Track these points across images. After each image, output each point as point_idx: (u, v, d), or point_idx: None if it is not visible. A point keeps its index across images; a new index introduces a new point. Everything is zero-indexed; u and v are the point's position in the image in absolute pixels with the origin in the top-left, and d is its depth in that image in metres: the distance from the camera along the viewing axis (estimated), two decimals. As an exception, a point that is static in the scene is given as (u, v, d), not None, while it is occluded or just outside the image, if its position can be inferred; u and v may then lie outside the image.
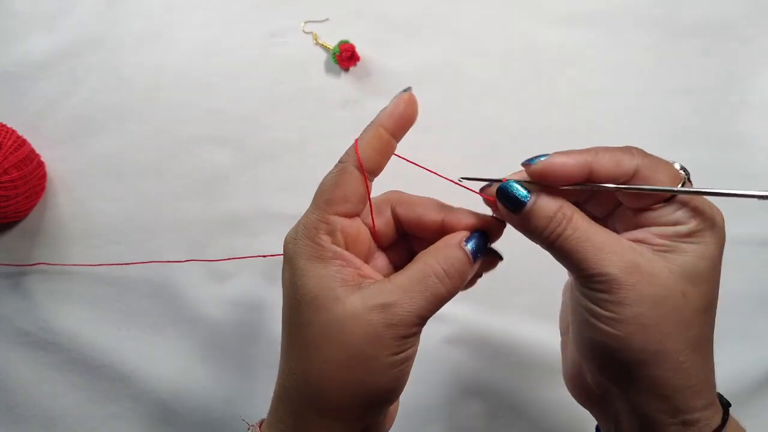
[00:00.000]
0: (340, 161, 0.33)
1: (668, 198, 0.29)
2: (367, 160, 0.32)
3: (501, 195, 0.31)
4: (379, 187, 0.35)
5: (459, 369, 0.56)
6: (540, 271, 0.57)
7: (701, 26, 0.62)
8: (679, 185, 0.29)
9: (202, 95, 0.61)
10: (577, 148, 0.31)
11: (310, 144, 0.59)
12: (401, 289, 0.31)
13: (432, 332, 0.56)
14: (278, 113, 0.61)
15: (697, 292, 0.29)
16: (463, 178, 0.34)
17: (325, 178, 0.33)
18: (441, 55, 0.62)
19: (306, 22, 0.63)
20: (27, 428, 0.56)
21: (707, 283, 0.30)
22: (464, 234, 0.33)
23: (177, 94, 0.61)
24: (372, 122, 0.33)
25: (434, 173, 0.36)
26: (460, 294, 0.56)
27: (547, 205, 0.30)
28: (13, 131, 0.57)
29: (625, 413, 0.32)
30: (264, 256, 0.54)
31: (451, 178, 0.35)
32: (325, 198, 0.32)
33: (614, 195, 0.32)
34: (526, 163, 0.31)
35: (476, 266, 0.33)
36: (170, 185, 0.60)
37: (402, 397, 0.55)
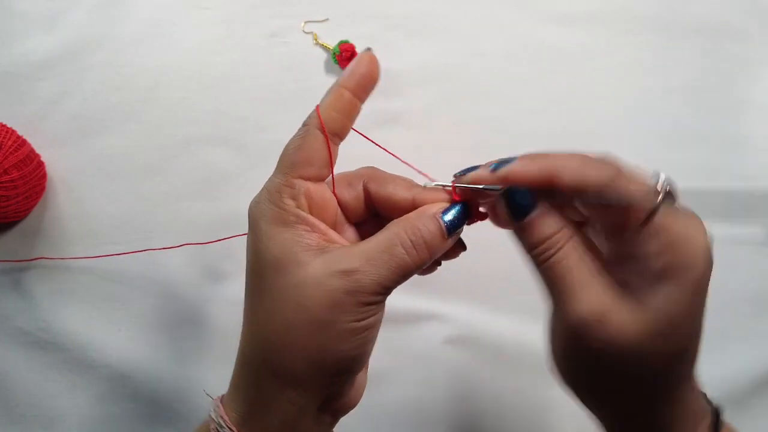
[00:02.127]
0: (303, 124, 0.32)
1: (645, 220, 0.27)
2: (330, 122, 0.31)
3: (508, 198, 0.30)
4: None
5: (459, 369, 0.56)
6: (540, 271, 0.57)
7: (701, 26, 0.62)
8: (658, 201, 0.27)
9: (202, 95, 0.61)
10: (552, 151, 0.30)
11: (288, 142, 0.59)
12: (365, 256, 0.30)
13: (432, 332, 0.56)
14: (278, 113, 0.61)
15: (664, 344, 0.28)
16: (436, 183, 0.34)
17: (288, 142, 0.32)
18: (441, 55, 0.62)
19: (306, 22, 0.63)
20: (27, 428, 0.56)
21: (678, 332, 0.28)
22: (442, 206, 0.32)
23: (177, 94, 0.61)
24: (333, 84, 0.32)
25: (408, 164, 0.35)
26: (460, 294, 0.56)
27: (548, 224, 0.29)
28: (13, 131, 0.57)
29: (610, 427, 0.33)
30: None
31: (424, 173, 0.35)
32: (289, 161, 0.32)
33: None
34: (492, 168, 0.30)
35: (450, 241, 0.32)
36: (170, 185, 0.60)
37: (402, 397, 0.55)
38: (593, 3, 0.62)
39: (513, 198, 0.30)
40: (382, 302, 0.31)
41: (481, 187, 0.31)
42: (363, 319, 0.30)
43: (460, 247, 0.34)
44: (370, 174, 0.34)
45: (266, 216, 0.31)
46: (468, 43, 0.62)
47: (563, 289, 0.29)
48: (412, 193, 0.33)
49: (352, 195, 0.34)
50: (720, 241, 0.57)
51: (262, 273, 0.31)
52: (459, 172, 0.32)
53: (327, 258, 0.30)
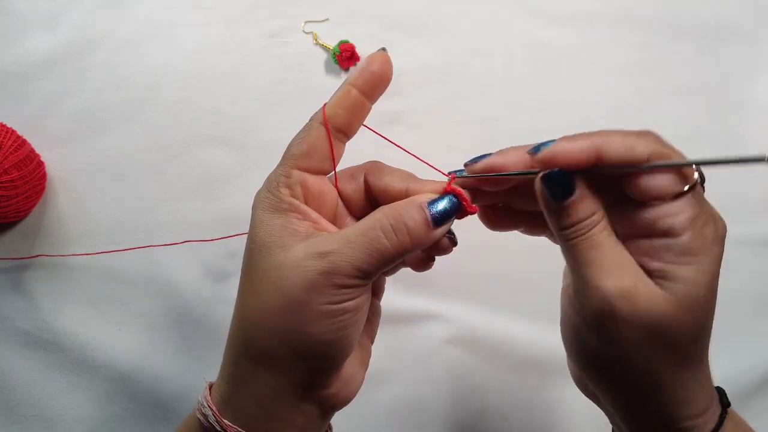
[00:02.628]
0: (309, 119, 0.33)
1: (676, 196, 0.28)
2: (334, 118, 0.32)
3: (550, 179, 0.30)
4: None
5: (459, 369, 0.56)
6: (540, 271, 0.57)
7: (701, 26, 0.62)
8: (687, 186, 0.28)
9: (202, 95, 0.61)
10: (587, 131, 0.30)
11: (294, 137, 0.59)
12: (344, 239, 0.30)
13: (432, 332, 0.56)
14: (278, 113, 0.61)
15: (690, 319, 0.28)
16: (448, 174, 0.34)
17: (294, 137, 0.33)
18: (441, 54, 0.62)
19: (306, 22, 0.63)
20: (27, 428, 0.56)
21: (702, 308, 0.29)
22: (430, 196, 0.32)
23: (177, 94, 0.61)
24: (343, 82, 0.32)
25: (417, 156, 0.35)
26: (460, 294, 0.56)
27: (589, 204, 0.29)
28: (13, 131, 0.57)
29: (622, 419, 0.33)
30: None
31: (431, 164, 0.35)
32: (289, 153, 0.32)
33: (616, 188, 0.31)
34: (532, 152, 0.30)
35: (438, 233, 0.32)
36: (170, 185, 0.60)
37: (402, 397, 0.55)
38: (593, 3, 0.62)
39: (554, 180, 0.30)
40: (359, 287, 0.30)
41: (514, 173, 0.31)
42: (338, 303, 0.30)
43: (451, 242, 0.34)
44: (371, 167, 0.35)
45: (262, 203, 0.32)
46: (468, 43, 0.62)
47: (592, 264, 0.29)
48: (406, 184, 0.33)
49: (354, 188, 0.34)
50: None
51: (250, 256, 0.32)
52: (469, 160, 0.33)
53: (310, 242, 0.30)
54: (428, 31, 0.62)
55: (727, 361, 0.54)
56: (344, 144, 0.33)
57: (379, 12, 0.63)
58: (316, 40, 0.62)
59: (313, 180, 0.32)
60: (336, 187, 0.34)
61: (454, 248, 0.34)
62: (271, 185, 0.32)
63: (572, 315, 0.32)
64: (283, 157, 0.33)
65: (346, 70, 0.61)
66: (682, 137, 0.60)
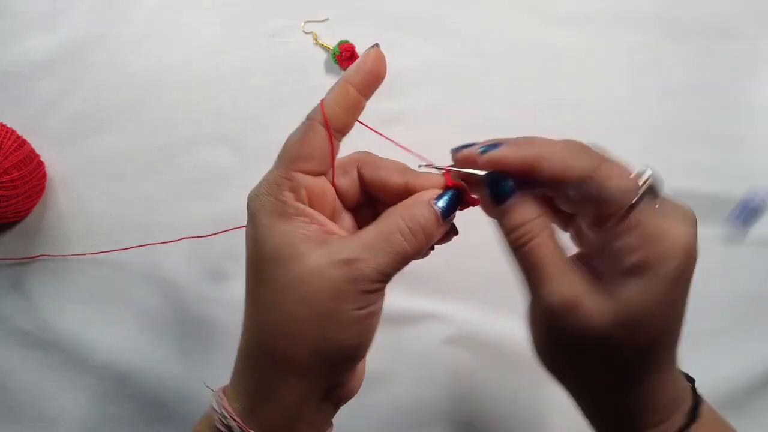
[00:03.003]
0: (306, 118, 0.32)
1: (622, 215, 0.28)
2: (333, 117, 0.31)
3: (489, 182, 0.31)
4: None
5: (459, 369, 0.56)
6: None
7: (701, 26, 0.62)
8: (635, 198, 0.27)
9: (202, 95, 0.61)
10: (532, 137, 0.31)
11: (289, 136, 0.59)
12: (365, 244, 0.30)
13: (432, 332, 0.56)
14: (278, 113, 0.61)
15: (631, 338, 0.28)
16: (421, 165, 0.34)
17: (290, 135, 0.32)
18: (441, 55, 0.62)
19: (306, 22, 0.63)
20: (27, 428, 0.56)
21: (647, 326, 0.28)
22: (435, 192, 0.32)
23: (177, 94, 0.61)
24: (339, 80, 0.32)
25: (404, 147, 0.36)
26: (460, 294, 0.56)
27: (525, 211, 0.30)
28: (13, 131, 0.57)
29: (588, 411, 0.33)
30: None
31: (423, 157, 0.35)
32: (290, 155, 0.32)
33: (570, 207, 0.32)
34: (482, 152, 0.31)
35: (445, 226, 0.32)
36: (170, 185, 0.60)
37: (402, 397, 0.55)
38: (593, 3, 0.62)
39: (494, 183, 0.31)
40: (381, 290, 0.31)
41: (469, 171, 0.32)
42: (365, 307, 0.30)
43: (452, 231, 0.34)
44: (363, 159, 0.35)
45: (266, 208, 0.32)
46: (468, 43, 0.62)
47: (537, 274, 0.30)
48: (405, 178, 0.33)
49: (348, 181, 0.34)
50: (720, 241, 0.57)
51: (262, 265, 0.31)
52: (456, 148, 0.33)
53: (327, 249, 0.30)
54: (428, 31, 0.62)
55: (726, 362, 0.53)
56: (340, 141, 0.33)
57: (379, 12, 0.63)
58: (316, 40, 0.62)
59: (314, 181, 0.32)
60: (333, 184, 0.34)
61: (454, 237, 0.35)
62: (272, 188, 0.32)
63: (529, 318, 0.33)
64: (282, 158, 0.32)
65: (346, 70, 0.61)
66: (682, 137, 0.61)
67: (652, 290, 0.27)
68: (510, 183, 0.30)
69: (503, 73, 0.61)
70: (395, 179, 0.33)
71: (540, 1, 0.63)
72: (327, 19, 0.63)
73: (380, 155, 0.35)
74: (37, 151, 0.59)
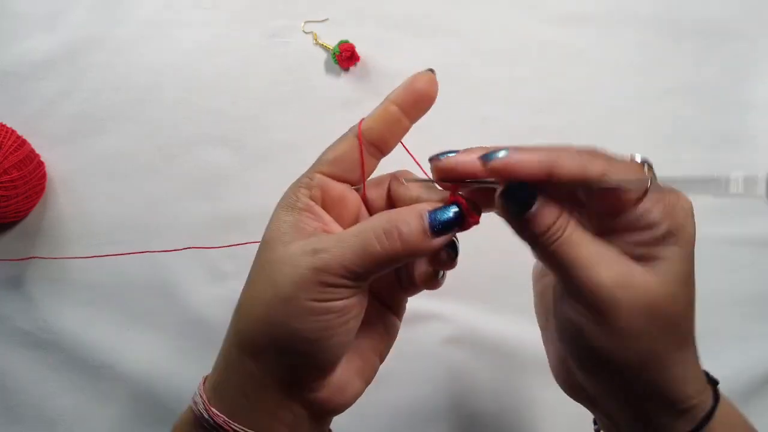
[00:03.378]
0: (348, 130, 0.33)
1: (639, 199, 0.29)
2: (369, 132, 0.32)
3: (508, 196, 0.29)
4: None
5: (459, 369, 0.56)
6: (540, 271, 0.57)
7: (701, 26, 0.62)
8: (650, 181, 0.29)
9: (202, 95, 0.61)
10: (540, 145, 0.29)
11: (310, 144, 0.59)
12: (337, 238, 0.30)
13: (432, 332, 0.56)
14: (278, 113, 0.61)
15: (682, 294, 0.29)
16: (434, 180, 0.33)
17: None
18: (441, 55, 0.62)
19: (306, 22, 0.63)
20: (27, 428, 0.56)
21: (690, 282, 0.30)
22: (430, 204, 0.31)
23: (177, 94, 0.61)
24: (386, 97, 0.33)
25: (426, 174, 0.35)
26: (460, 294, 0.56)
27: (550, 211, 0.29)
28: (13, 131, 0.57)
29: (620, 410, 0.33)
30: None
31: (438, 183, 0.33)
32: (320, 159, 0.33)
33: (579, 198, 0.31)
34: (483, 159, 0.29)
35: (436, 242, 0.30)
36: (170, 185, 0.60)
37: (402, 397, 0.55)
38: (593, 3, 0.62)
39: (513, 194, 0.29)
40: (348, 288, 0.30)
41: (474, 181, 0.30)
42: (323, 301, 0.30)
43: (448, 256, 0.33)
44: (398, 174, 0.35)
45: (282, 201, 0.33)
46: (468, 43, 0.62)
47: (579, 262, 0.29)
48: (419, 193, 0.33)
49: (379, 194, 0.35)
50: (720, 241, 0.57)
51: (258, 250, 0.32)
52: (434, 156, 0.31)
53: (309, 240, 0.31)
54: (428, 31, 0.62)
55: (727, 361, 0.53)
56: (378, 160, 0.33)
57: (379, 12, 0.63)
58: (316, 40, 0.62)
59: (335, 185, 0.33)
60: (363, 196, 0.34)
61: (455, 262, 0.34)
62: (294, 186, 0.33)
63: (570, 317, 0.31)
64: (315, 162, 0.34)
65: (346, 70, 0.61)
66: (682, 137, 0.61)
67: (685, 251, 0.29)
68: (529, 191, 0.29)
69: (503, 73, 0.61)
70: (410, 193, 0.33)
71: (540, 1, 0.63)
72: (327, 19, 0.63)
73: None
74: (37, 151, 0.59)
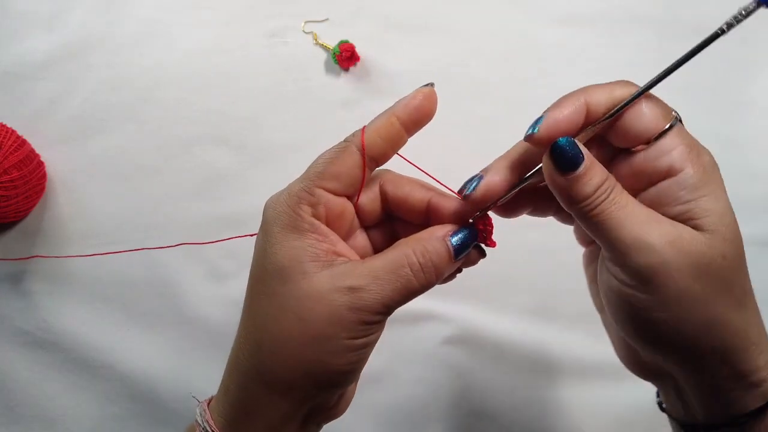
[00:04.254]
0: (344, 140, 0.32)
1: (657, 137, 0.29)
2: (371, 146, 0.31)
3: (556, 152, 0.29)
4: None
5: (459, 369, 0.56)
6: (540, 271, 0.57)
7: (701, 26, 0.62)
8: (668, 124, 0.29)
9: (202, 95, 0.61)
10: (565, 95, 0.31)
11: (309, 144, 0.59)
12: (372, 274, 0.30)
13: (432, 332, 0.56)
14: (278, 113, 0.61)
15: (732, 248, 0.29)
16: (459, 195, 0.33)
17: (324, 152, 0.32)
18: (441, 55, 0.62)
19: (306, 22, 0.63)
20: (27, 428, 0.56)
21: (736, 232, 0.29)
22: (451, 227, 0.32)
23: (177, 94, 0.61)
24: (386, 110, 0.32)
25: (435, 179, 0.35)
26: (460, 294, 0.56)
27: (598, 173, 0.29)
28: (13, 131, 0.57)
29: (687, 383, 0.31)
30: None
31: (449, 187, 0.34)
32: (318, 171, 0.31)
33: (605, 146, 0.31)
34: (529, 135, 0.30)
35: (457, 263, 0.32)
36: (170, 185, 0.60)
37: (402, 397, 0.55)
38: (593, 3, 0.62)
39: (561, 151, 0.29)
40: (382, 322, 0.31)
41: (526, 180, 0.31)
42: (363, 337, 0.30)
43: (481, 254, 0.34)
44: (387, 176, 0.34)
45: (281, 219, 0.31)
46: (468, 43, 0.62)
47: (628, 225, 0.28)
48: (429, 195, 0.33)
49: (369, 198, 0.34)
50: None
51: (265, 278, 0.31)
52: (466, 192, 0.32)
53: (333, 272, 0.30)
54: (428, 31, 0.62)
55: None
56: (372, 171, 0.33)
57: (379, 12, 0.63)
58: (316, 40, 0.62)
59: (335, 201, 0.31)
60: (357, 207, 0.33)
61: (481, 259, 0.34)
62: (291, 200, 0.31)
63: (618, 290, 0.30)
64: (308, 172, 0.32)
65: (346, 70, 0.61)
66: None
67: (722, 196, 0.29)
68: (576, 145, 0.29)
69: (503, 73, 0.61)
70: (418, 195, 0.33)
71: (540, 1, 0.63)
72: (327, 19, 0.63)
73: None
74: (37, 151, 0.59)
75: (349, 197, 0.33)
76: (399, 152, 0.33)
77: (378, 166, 0.33)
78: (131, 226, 0.59)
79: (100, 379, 0.56)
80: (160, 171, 0.60)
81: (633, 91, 0.29)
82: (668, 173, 0.29)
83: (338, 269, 0.30)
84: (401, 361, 0.56)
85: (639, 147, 0.30)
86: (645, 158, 0.29)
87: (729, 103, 0.60)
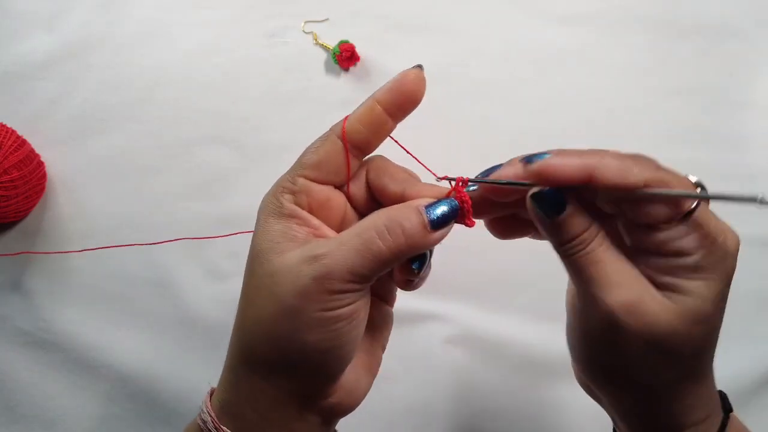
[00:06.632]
0: (329, 129, 0.32)
1: (679, 219, 0.27)
2: (353, 133, 0.31)
3: (539, 198, 0.29)
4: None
5: (459, 369, 0.55)
6: (540, 271, 0.57)
7: (701, 26, 0.62)
8: (694, 204, 0.27)
9: (202, 95, 0.61)
10: (581, 148, 0.29)
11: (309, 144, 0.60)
12: (337, 241, 0.29)
13: (432, 332, 0.56)
14: (278, 113, 0.61)
15: (695, 333, 0.28)
16: (441, 178, 0.33)
17: (311, 143, 0.32)
18: (441, 55, 0.62)
19: (306, 22, 0.63)
20: (27, 428, 0.56)
21: (708, 322, 0.28)
22: (429, 199, 0.31)
23: (177, 94, 0.61)
24: (369, 96, 0.31)
25: (422, 164, 0.35)
26: (460, 294, 0.56)
27: (580, 221, 0.29)
28: (13, 131, 0.57)
29: (622, 421, 0.33)
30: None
31: (435, 174, 0.33)
32: (301, 161, 0.32)
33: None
34: (525, 162, 0.29)
35: (435, 236, 0.30)
36: (170, 185, 0.60)
37: (402, 397, 0.55)
38: (593, 3, 0.62)
39: (545, 196, 0.29)
40: (355, 292, 0.29)
41: (505, 182, 0.30)
42: (332, 309, 0.29)
43: (413, 274, 0.32)
44: (374, 163, 0.33)
45: (267, 208, 0.32)
46: (468, 43, 0.62)
47: (594, 280, 0.28)
48: (402, 187, 0.32)
49: (357, 186, 0.33)
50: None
51: (249, 262, 0.31)
52: (482, 173, 0.31)
53: (305, 247, 0.29)
54: (428, 31, 0.62)
55: (727, 361, 0.53)
56: (360, 159, 0.32)
57: (379, 12, 0.63)
58: (316, 40, 0.62)
59: (319, 189, 0.31)
60: (347, 192, 0.33)
61: (422, 275, 0.33)
62: (276, 190, 0.32)
63: (578, 325, 0.31)
64: (294, 164, 0.32)
65: (346, 70, 0.61)
66: (682, 137, 0.60)
67: (717, 287, 0.28)
68: (562, 195, 0.29)
69: (503, 73, 0.61)
70: (392, 188, 0.32)
71: (540, 1, 0.63)
72: (327, 19, 0.63)
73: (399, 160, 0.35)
74: (37, 151, 0.59)
75: (338, 186, 0.32)
76: (391, 135, 0.32)
77: (366, 154, 0.32)
78: (131, 226, 0.59)
79: (100, 379, 0.56)
80: (160, 171, 0.60)
81: (649, 175, 0.27)
82: (676, 254, 0.28)
83: (309, 244, 0.30)
84: (401, 361, 0.56)
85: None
86: (658, 238, 0.28)
87: (729, 103, 0.60)
